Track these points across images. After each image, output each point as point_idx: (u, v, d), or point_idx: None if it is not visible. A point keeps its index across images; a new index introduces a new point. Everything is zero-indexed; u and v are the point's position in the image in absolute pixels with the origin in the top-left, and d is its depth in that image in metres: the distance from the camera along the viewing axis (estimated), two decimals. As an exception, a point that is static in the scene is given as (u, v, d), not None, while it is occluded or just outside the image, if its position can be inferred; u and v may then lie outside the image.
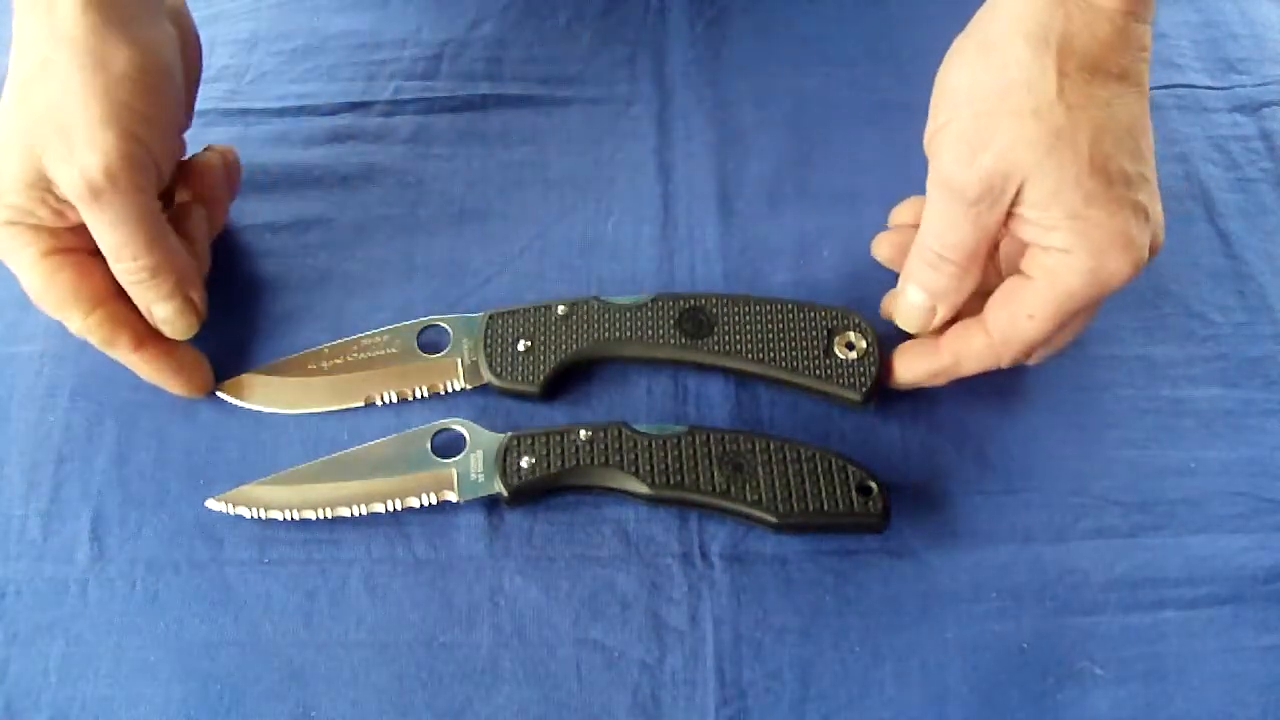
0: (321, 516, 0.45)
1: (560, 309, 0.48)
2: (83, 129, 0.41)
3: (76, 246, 0.45)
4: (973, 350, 0.44)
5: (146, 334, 0.46)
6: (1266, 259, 0.53)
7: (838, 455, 0.44)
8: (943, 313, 0.44)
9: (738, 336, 0.47)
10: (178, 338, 0.47)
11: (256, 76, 0.58)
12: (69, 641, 0.43)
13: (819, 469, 0.44)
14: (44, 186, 0.42)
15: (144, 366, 0.46)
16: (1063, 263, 0.40)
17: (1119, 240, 0.39)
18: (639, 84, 0.59)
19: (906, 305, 0.45)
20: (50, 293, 0.44)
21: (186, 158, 0.50)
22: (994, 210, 0.40)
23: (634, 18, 0.61)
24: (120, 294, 0.46)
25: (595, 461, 0.44)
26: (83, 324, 0.45)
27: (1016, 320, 0.42)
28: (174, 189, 0.49)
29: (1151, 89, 0.41)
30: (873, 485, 0.44)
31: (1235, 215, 0.54)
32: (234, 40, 0.59)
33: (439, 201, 0.54)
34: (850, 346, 0.47)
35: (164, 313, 0.46)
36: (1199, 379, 0.49)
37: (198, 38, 0.50)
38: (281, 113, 0.57)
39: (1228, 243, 0.53)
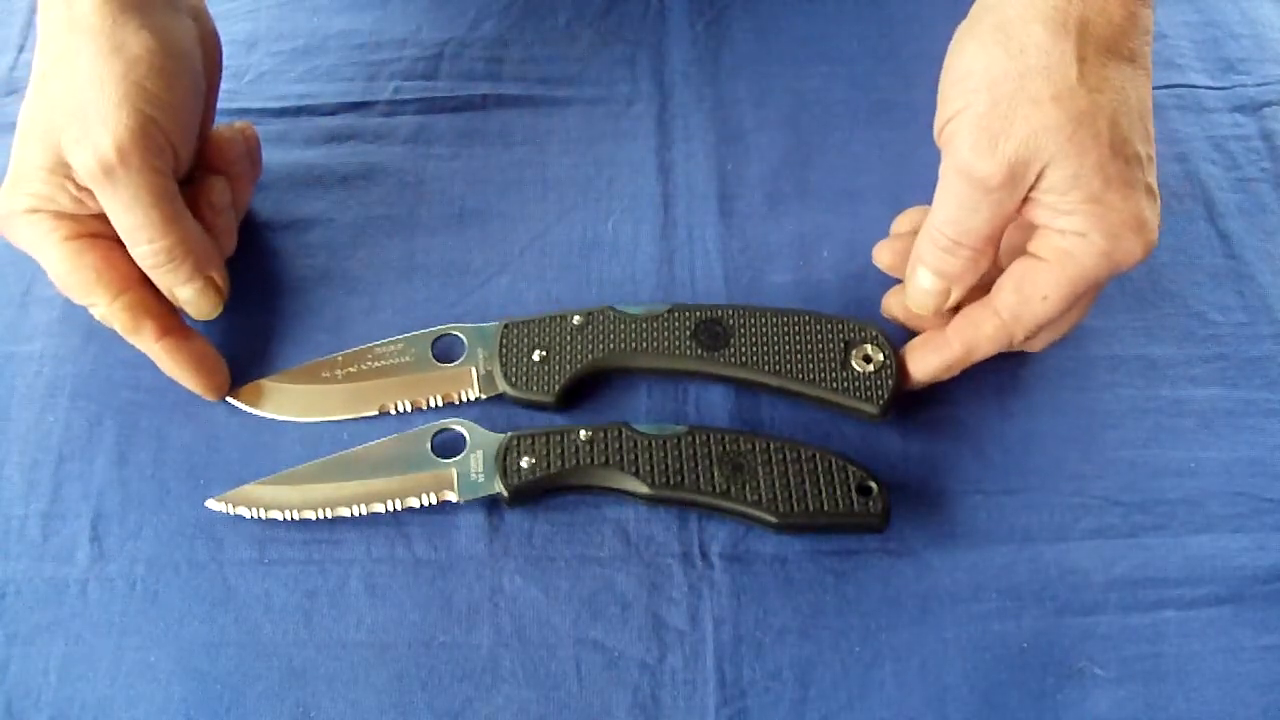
0: (321, 516, 0.45)
1: (576, 319, 0.48)
2: (97, 109, 0.42)
3: (100, 232, 0.45)
4: (984, 335, 0.44)
5: (171, 324, 0.46)
6: (1266, 259, 0.53)
7: (838, 455, 0.44)
8: (957, 295, 0.44)
9: (753, 348, 0.47)
10: (202, 318, 0.48)
11: (256, 76, 0.58)
12: (69, 641, 0.43)
13: (819, 469, 0.44)
14: (64, 172, 0.43)
15: (165, 358, 0.46)
16: (1079, 245, 0.40)
17: (1133, 223, 0.39)
18: (639, 84, 0.59)
19: (919, 290, 0.45)
20: (76, 276, 0.45)
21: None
22: (1014, 196, 0.40)
23: (634, 18, 0.61)
24: (145, 281, 0.46)
25: (595, 462, 0.44)
26: (108, 309, 0.45)
27: (1030, 302, 0.42)
28: (195, 176, 0.49)
29: (1151, 88, 0.41)
30: (873, 485, 0.44)
31: (1235, 215, 0.54)
32: (234, 40, 0.59)
33: (439, 201, 0.54)
34: (867, 359, 0.46)
35: (186, 295, 0.46)
36: (1199, 379, 0.49)
37: (218, 38, 0.50)
38: (281, 113, 0.57)
39: (1228, 243, 0.53)
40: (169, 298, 0.46)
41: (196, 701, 0.42)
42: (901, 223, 0.49)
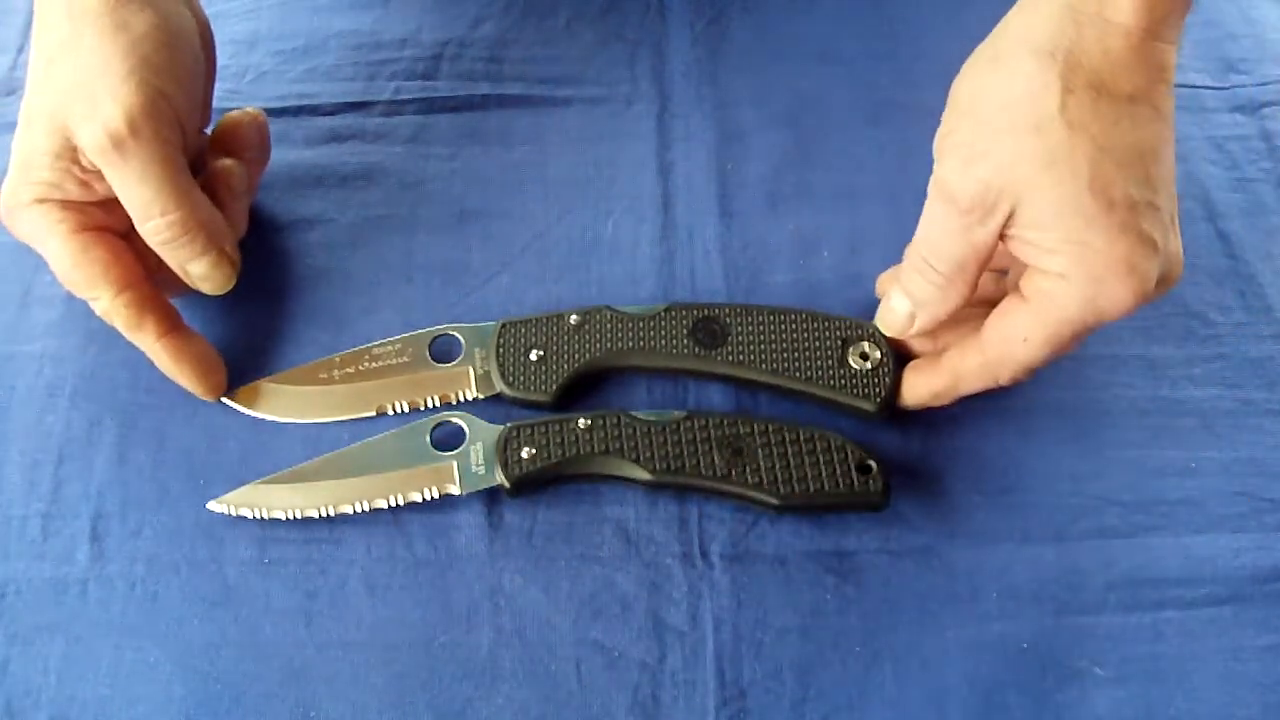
0: (324, 515, 0.45)
1: (573, 319, 0.48)
2: (105, 85, 0.42)
3: (106, 225, 0.45)
4: (968, 369, 0.43)
5: (172, 323, 0.46)
6: (1266, 259, 0.53)
7: (836, 435, 0.45)
8: (921, 322, 0.43)
9: (750, 347, 0.47)
10: (216, 292, 0.47)
11: (256, 76, 0.58)
12: (69, 641, 0.43)
13: (818, 449, 0.44)
14: (71, 157, 0.43)
15: (164, 356, 0.46)
16: (1059, 288, 0.39)
17: (1119, 268, 0.37)
18: (639, 84, 0.59)
19: (886, 307, 0.45)
20: (80, 270, 0.44)
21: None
22: (986, 225, 0.39)
23: (634, 17, 0.61)
24: (148, 280, 0.46)
25: (595, 450, 0.44)
26: (111, 304, 0.45)
27: (1010, 342, 0.41)
28: (205, 158, 0.49)
29: (1171, 132, 0.39)
30: (872, 464, 0.44)
31: (1235, 215, 0.54)
32: (234, 40, 0.59)
33: (439, 201, 0.54)
34: (864, 357, 0.46)
35: (200, 269, 0.46)
36: (1199, 379, 0.49)
37: (211, 32, 0.50)
38: (281, 113, 0.57)
39: (1228, 243, 0.53)
40: (181, 275, 0.46)
41: (196, 701, 0.42)
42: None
